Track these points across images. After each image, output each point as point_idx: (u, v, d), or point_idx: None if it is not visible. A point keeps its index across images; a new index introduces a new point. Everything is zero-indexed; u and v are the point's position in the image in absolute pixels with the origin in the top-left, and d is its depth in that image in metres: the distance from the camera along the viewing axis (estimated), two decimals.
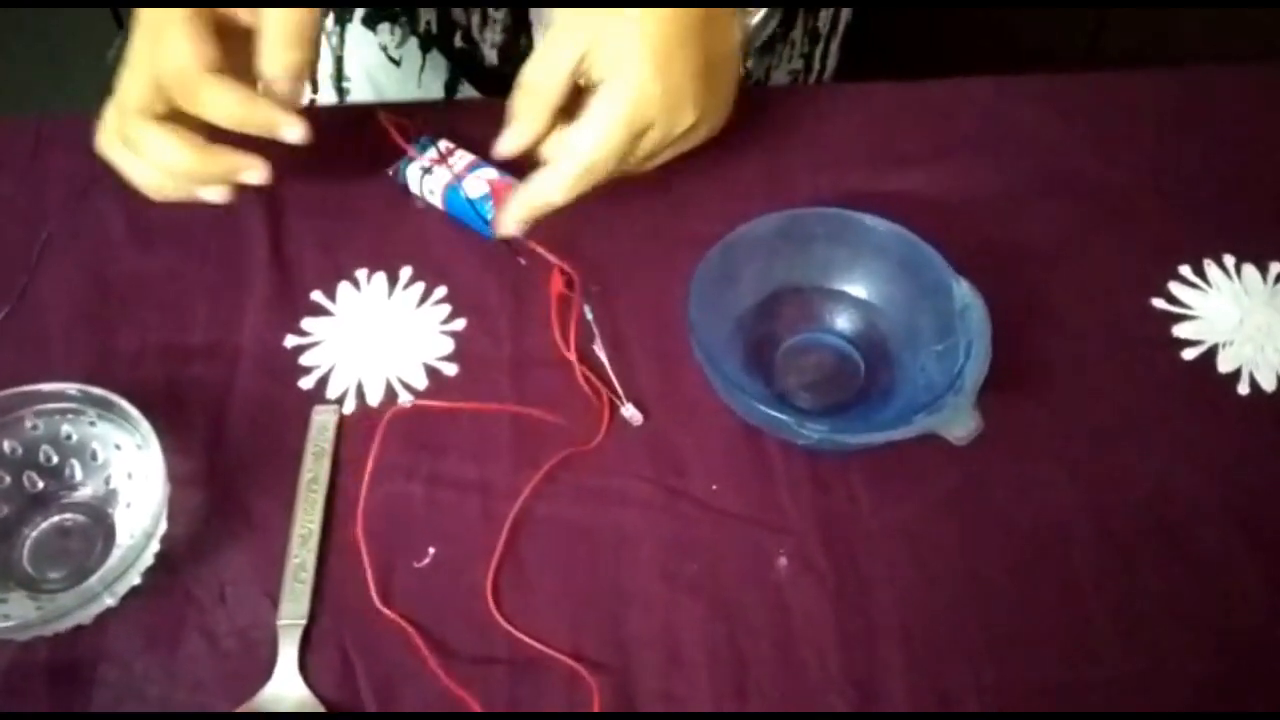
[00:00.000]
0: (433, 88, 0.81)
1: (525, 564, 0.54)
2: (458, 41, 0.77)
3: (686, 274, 0.56)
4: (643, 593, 0.53)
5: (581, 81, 0.58)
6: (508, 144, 0.58)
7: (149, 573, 0.51)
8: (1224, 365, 0.60)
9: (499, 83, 0.77)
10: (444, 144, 0.66)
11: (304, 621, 0.51)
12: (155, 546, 0.51)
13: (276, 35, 0.53)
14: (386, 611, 0.52)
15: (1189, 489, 0.56)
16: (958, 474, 0.56)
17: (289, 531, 0.54)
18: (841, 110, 0.71)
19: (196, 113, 0.54)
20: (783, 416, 0.53)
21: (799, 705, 0.50)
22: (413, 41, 0.77)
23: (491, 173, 0.65)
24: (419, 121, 0.67)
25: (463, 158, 0.66)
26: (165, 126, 0.54)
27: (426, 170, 0.65)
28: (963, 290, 0.56)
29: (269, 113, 0.54)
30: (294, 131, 0.54)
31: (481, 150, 0.66)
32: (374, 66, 0.80)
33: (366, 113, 0.68)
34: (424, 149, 0.66)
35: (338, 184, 0.66)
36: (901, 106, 0.72)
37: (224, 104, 0.53)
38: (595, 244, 0.63)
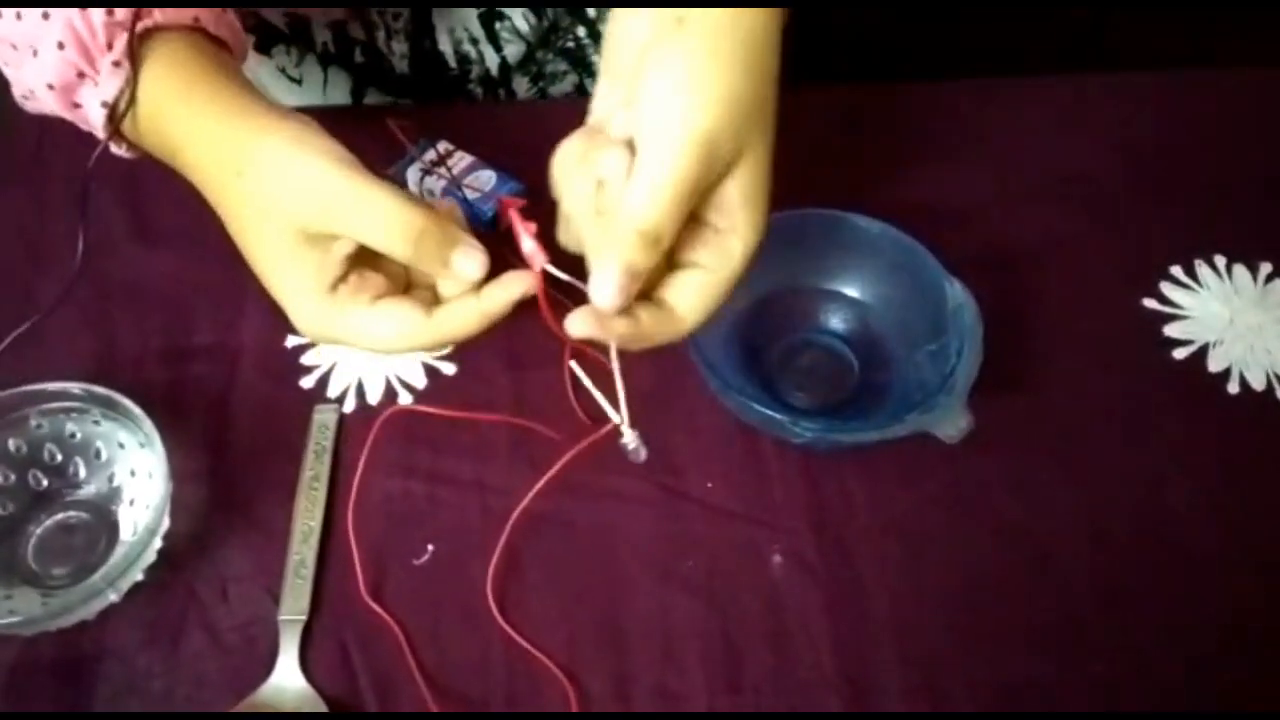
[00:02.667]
0: (339, 100, 0.79)
1: (522, 561, 0.54)
2: (358, 57, 0.76)
3: None
4: (638, 590, 0.54)
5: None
6: (619, 301, 0.43)
7: (152, 569, 0.52)
8: (1214, 364, 0.61)
9: (410, 87, 0.77)
10: (443, 145, 0.67)
11: (304, 617, 0.52)
12: (158, 543, 0.52)
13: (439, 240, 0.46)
14: (380, 611, 0.52)
15: (1179, 487, 0.57)
16: (950, 472, 0.57)
17: (290, 529, 0.55)
18: (834, 112, 0.72)
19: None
20: (776, 415, 0.53)
21: (793, 701, 0.51)
22: (311, 58, 0.76)
23: (490, 175, 0.65)
24: (418, 123, 0.68)
25: (462, 159, 0.66)
26: (376, 309, 0.47)
27: (426, 171, 0.66)
28: (955, 291, 0.56)
29: (509, 291, 0.47)
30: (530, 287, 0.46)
31: (480, 151, 0.67)
32: (274, 88, 0.79)
33: (364, 114, 0.68)
34: (423, 150, 0.66)
35: None
36: (896, 108, 0.72)
37: (469, 322, 0.47)
38: None
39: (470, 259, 0.47)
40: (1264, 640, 0.53)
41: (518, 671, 0.52)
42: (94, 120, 0.51)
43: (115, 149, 0.53)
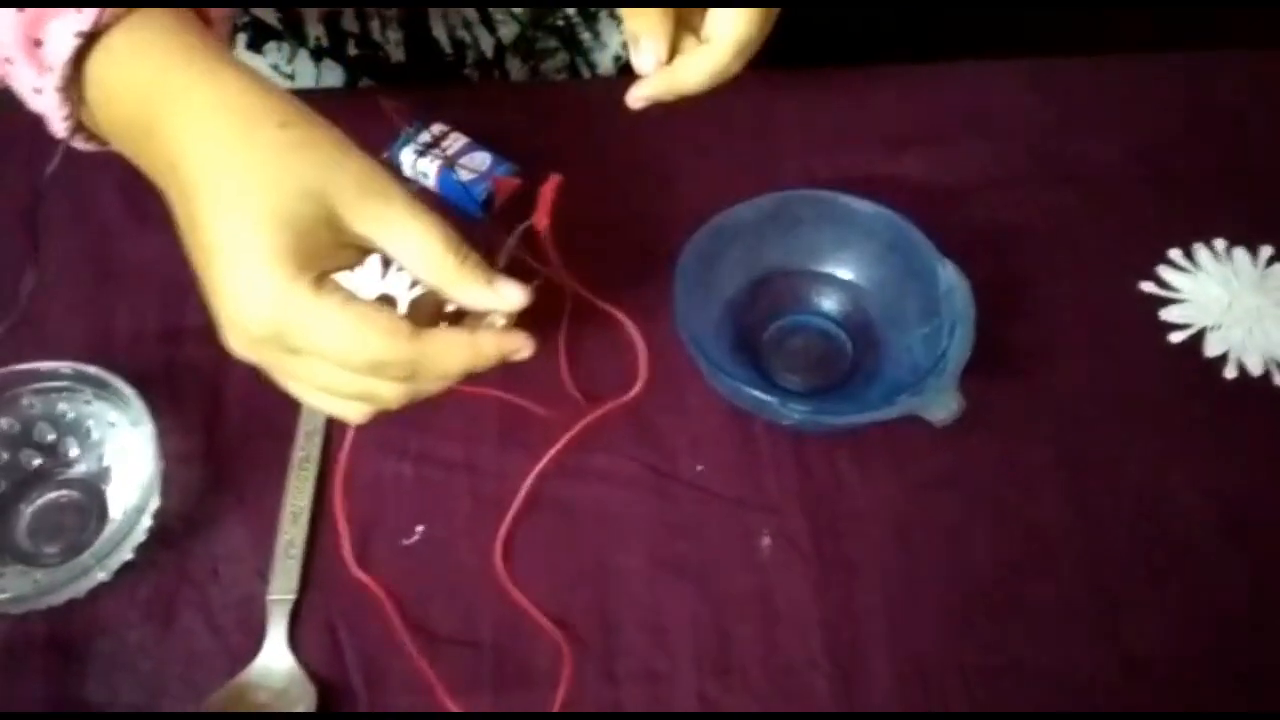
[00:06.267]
0: None
1: (512, 543, 0.55)
2: (351, 49, 0.76)
3: (673, 256, 0.57)
4: (628, 572, 0.54)
5: None
6: (648, 62, 0.53)
7: (143, 548, 0.52)
8: (1211, 349, 0.60)
9: (406, 76, 0.76)
10: (437, 127, 0.67)
11: (294, 596, 0.52)
12: (147, 522, 0.52)
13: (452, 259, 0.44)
14: (373, 586, 0.53)
15: (1174, 472, 0.57)
16: (942, 455, 0.56)
17: (280, 509, 0.55)
18: (831, 93, 0.71)
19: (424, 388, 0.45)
20: (766, 397, 0.53)
21: (780, 682, 0.51)
22: (303, 54, 0.76)
23: (485, 156, 0.65)
24: (412, 104, 0.67)
25: (456, 140, 0.66)
26: (355, 306, 0.42)
27: (420, 153, 0.66)
28: (948, 273, 0.56)
29: (504, 342, 0.45)
30: (528, 349, 0.46)
31: (475, 132, 0.66)
32: None
33: (357, 95, 0.68)
34: (418, 132, 0.66)
35: None
36: (891, 89, 0.72)
37: (455, 357, 0.44)
38: (582, 225, 0.64)
39: (516, 285, 0.45)
40: (1261, 625, 0.53)
41: (505, 650, 0.52)
42: (52, 58, 0.44)
43: (64, 120, 0.46)
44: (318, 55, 0.76)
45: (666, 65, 0.54)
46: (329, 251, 0.43)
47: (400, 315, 0.43)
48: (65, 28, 0.44)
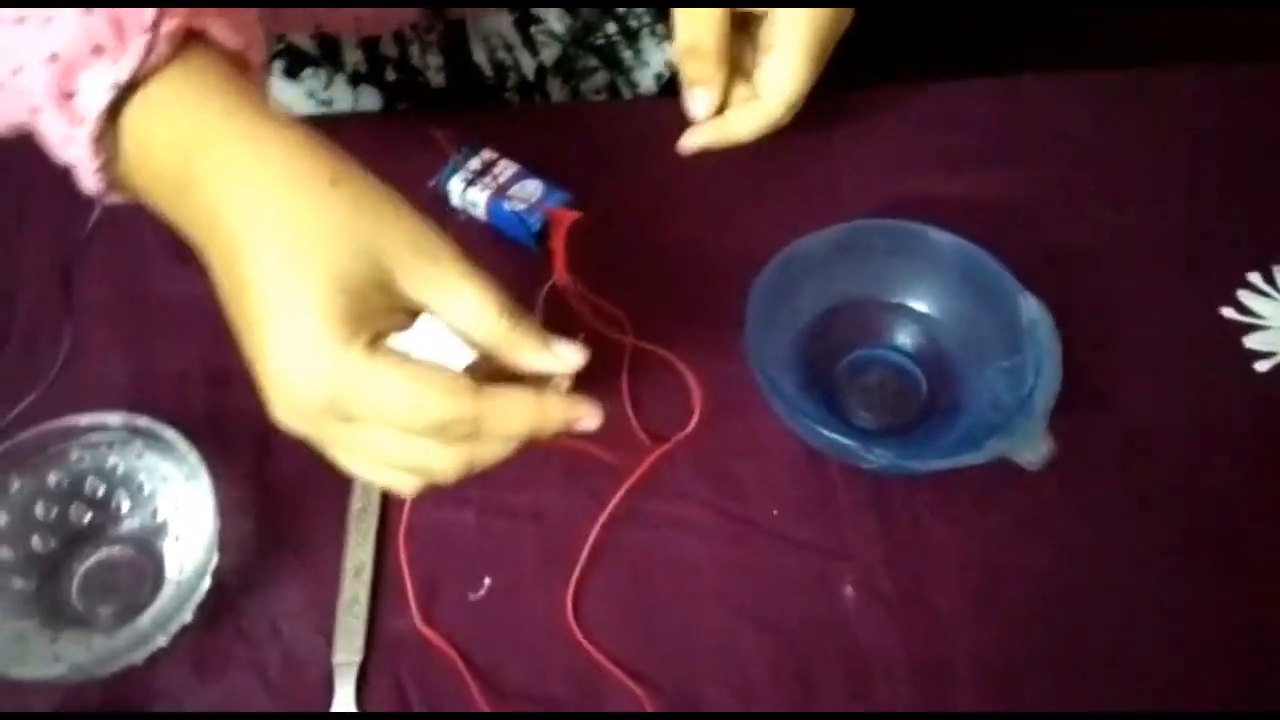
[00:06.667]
0: None
1: (583, 593, 0.52)
2: (390, 74, 0.74)
3: (742, 290, 0.55)
4: (705, 623, 0.52)
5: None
6: (701, 109, 0.56)
7: (199, 608, 0.50)
8: None
9: (445, 101, 0.75)
10: (487, 153, 0.64)
11: (359, 658, 0.50)
12: (207, 583, 0.50)
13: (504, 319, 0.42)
14: (442, 645, 0.51)
15: (1267, 508, 0.54)
16: (1027, 497, 0.54)
17: (340, 563, 0.53)
18: (897, 112, 0.69)
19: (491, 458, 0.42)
20: (847, 441, 0.51)
21: None
22: (340, 79, 0.74)
23: (536, 185, 0.63)
24: (456, 130, 0.65)
25: (507, 168, 0.64)
26: (413, 367, 0.40)
27: (469, 181, 0.63)
28: (1029, 305, 0.54)
29: (571, 409, 0.42)
30: (595, 418, 0.43)
31: (520, 157, 0.64)
32: (305, 111, 0.74)
33: (405, 122, 0.66)
34: (466, 158, 0.64)
35: None
36: (959, 107, 0.69)
37: (521, 416, 0.41)
38: (647, 260, 0.62)
39: (573, 345, 0.43)
40: None
41: (582, 705, 0.50)
42: (86, 109, 0.42)
43: (97, 172, 0.44)
44: (355, 81, 0.74)
45: (718, 114, 0.56)
46: (380, 314, 0.41)
47: (460, 373, 0.41)
48: (100, 79, 0.42)
